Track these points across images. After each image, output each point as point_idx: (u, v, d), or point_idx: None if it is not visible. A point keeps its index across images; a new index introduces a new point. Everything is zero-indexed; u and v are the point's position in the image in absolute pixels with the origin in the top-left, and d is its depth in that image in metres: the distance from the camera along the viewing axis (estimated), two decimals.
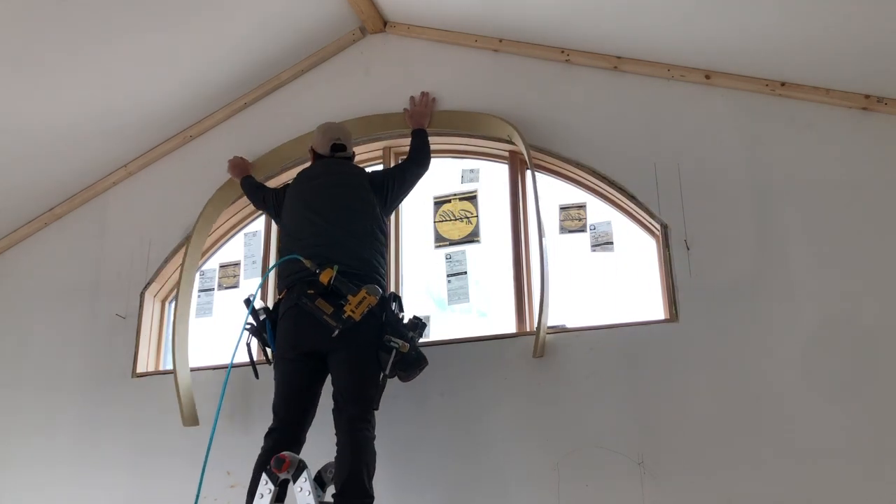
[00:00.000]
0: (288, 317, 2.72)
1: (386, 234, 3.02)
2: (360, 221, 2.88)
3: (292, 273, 2.76)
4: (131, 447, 3.48)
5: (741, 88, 3.12)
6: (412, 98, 3.55)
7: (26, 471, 3.65)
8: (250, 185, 3.48)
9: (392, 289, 3.33)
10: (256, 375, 2.91)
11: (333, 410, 2.62)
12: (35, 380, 3.82)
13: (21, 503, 3.60)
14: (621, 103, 3.29)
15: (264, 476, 2.43)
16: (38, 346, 3.89)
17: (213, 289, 3.80)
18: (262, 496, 2.40)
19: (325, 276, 2.61)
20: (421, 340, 3.08)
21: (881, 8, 2.56)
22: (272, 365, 2.80)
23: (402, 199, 3.18)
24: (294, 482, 2.40)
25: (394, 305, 2.77)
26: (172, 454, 3.38)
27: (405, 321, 2.78)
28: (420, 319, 2.78)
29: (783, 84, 3.05)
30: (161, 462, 3.39)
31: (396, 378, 2.77)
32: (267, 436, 2.67)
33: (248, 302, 2.82)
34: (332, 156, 3.13)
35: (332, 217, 2.87)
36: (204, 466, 2.52)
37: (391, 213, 3.21)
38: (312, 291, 2.62)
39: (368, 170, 3.28)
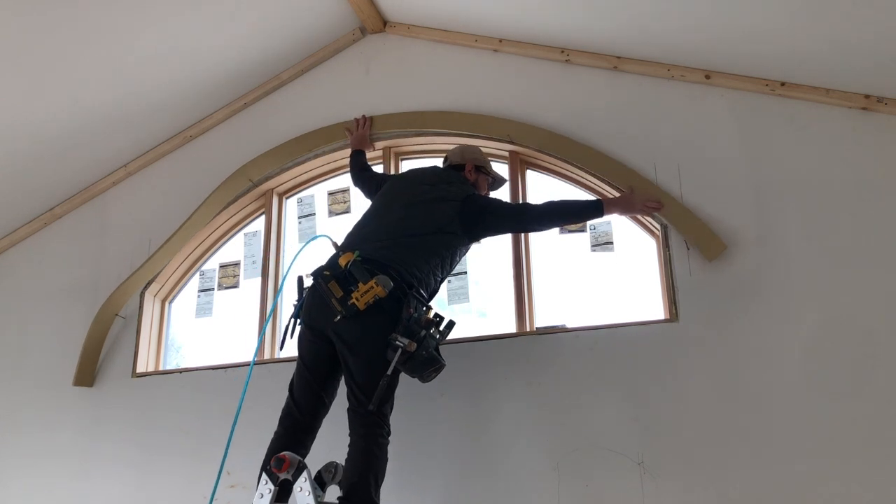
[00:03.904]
0: (308, 292, 2.71)
1: (447, 258, 2.78)
2: (423, 238, 2.73)
3: (335, 254, 2.74)
4: (131, 447, 3.48)
5: (741, 88, 3.12)
6: None
7: (27, 472, 3.65)
8: (359, 162, 3.43)
9: None
10: (281, 347, 2.88)
11: (348, 409, 2.57)
12: (35, 380, 3.82)
13: None
14: (621, 103, 3.29)
15: (264, 476, 2.42)
16: (39, 346, 3.89)
17: (213, 289, 3.80)
18: (262, 496, 2.40)
19: (344, 259, 2.58)
20: None
21: (881, 8, 2.56)
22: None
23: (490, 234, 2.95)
24: (294, 482, 2.40)
25: (413, 303, 2.59)
26: (172, 454, 3.38)
27: (423, 319, 2.60)
28: (441, 317, 2.60)
29: (783, 84, 3.05)
30: (161, 462, 3.39)
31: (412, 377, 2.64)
32: (281, 421, 2.66)
33: (300, 280, 2.77)
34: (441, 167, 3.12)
35: (399, 222, 2.77)
36: (222, 465, 2.52)
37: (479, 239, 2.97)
38: (328, 273, 2.60)
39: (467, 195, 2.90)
